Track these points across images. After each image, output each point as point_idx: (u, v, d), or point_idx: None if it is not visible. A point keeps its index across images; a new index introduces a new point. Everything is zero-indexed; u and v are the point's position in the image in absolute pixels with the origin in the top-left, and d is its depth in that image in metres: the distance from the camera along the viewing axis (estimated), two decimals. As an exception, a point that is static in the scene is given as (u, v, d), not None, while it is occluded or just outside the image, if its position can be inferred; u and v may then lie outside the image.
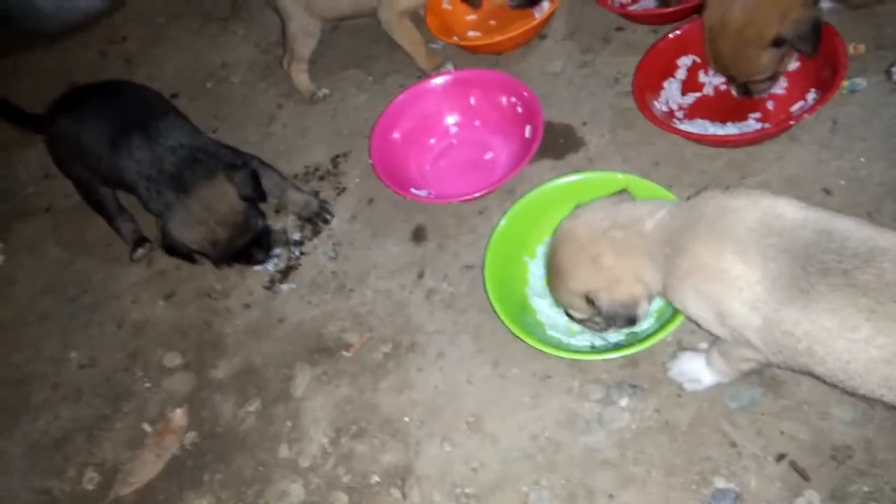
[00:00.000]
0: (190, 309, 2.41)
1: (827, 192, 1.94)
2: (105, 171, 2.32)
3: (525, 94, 2.33)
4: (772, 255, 1.29)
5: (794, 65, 2.07)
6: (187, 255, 2.24)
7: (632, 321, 1.57)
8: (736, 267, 1.32)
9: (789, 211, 1.33)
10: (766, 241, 1.31)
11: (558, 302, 1.71)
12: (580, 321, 1.73)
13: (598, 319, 1.64)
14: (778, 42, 1.85)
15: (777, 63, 1.93)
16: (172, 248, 2.20)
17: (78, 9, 3.70)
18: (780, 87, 2.12)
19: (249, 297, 2.37)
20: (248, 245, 2.23)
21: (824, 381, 1.37)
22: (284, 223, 2.49)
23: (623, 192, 1.64)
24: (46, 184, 3.06)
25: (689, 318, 1.52)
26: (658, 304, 1.83)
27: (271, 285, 2.37)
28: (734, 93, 2.11)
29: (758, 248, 1.31)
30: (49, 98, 2.63)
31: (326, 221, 2.46)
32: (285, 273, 2.38)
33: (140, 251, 2.59)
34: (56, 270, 2.72)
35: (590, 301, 1.56)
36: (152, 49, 3.48)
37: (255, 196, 2.20)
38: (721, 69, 2.02)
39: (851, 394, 1.34)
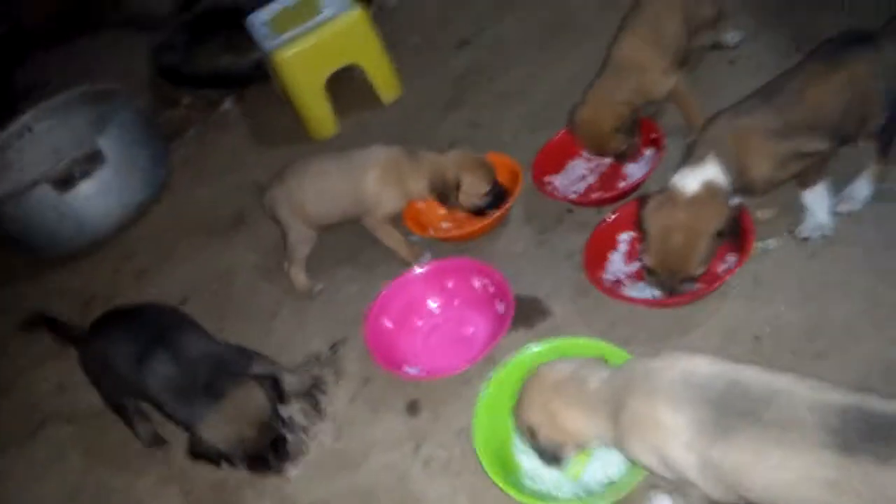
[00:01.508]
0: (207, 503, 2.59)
1: (757, 338, 2.25)
2: (132, 388, 2.56)
3: (495, 276, 2.70)
4: (696, 404, 1.57)
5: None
6: (213, 459, 2.37)
7: (555, 460, 1.89)
8: (668, 416, 1.60)
9: (702, 366, 1.64)
10: (689, 393, 1.59)
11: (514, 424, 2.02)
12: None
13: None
14: (719, 234, 2.22)
15: (713, 254, 2.28)
16: (201, 452, 2.35)
17: (92, 233, 4.12)
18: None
19: (261, 485, 2.55)
20: (267, 448, 2.40)
21: None
22: (290, 411, 2.73)
23: (600, 357, 1.96)
24: (65, 396, 3.30)
25: (642, 466, 1.77)
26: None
27: (281, 471, 2.56)
28: (660, 293, 2.40)
29: (683, 399, 1.59)
30: (70, 315, 2.96)
31: (323, 392, 2.73)
32: (294, 458, 2.58)
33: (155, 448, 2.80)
34: (78, 481, 2.90)
35: (531, 434, 1.89)
36: (162, 263, 3.87)
37: (279, 398, 2.45)
38: (668, 265, 2.29)
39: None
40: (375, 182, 2.95)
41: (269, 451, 2.41)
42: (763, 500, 1.53)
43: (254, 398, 2.36)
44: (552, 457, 1.89)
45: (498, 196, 2.99)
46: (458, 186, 2.92)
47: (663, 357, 1.71)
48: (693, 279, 2.31)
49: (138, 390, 2.53)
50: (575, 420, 1.82)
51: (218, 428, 2.30)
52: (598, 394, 1.78)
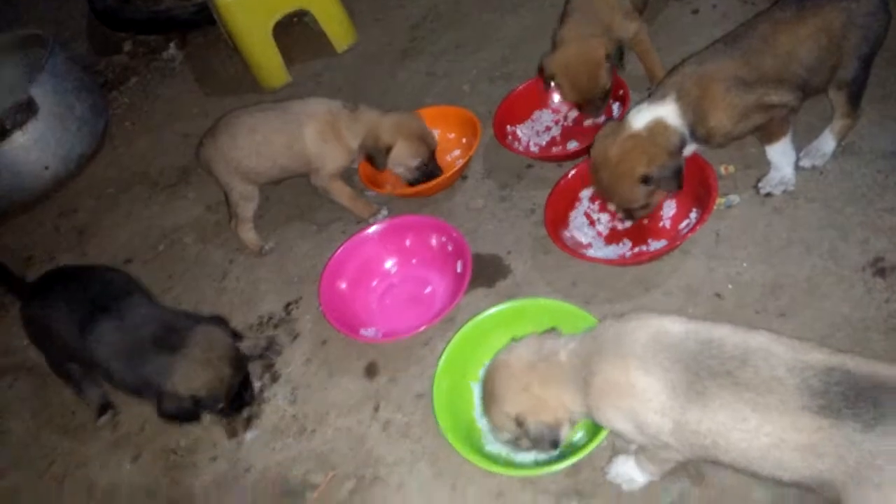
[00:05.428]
0: (157, 468, 2.50)
1: (719, 296, 2.22)
2: (77, 355, 2.45)
3: (453, 233, 2.61)
4: (668, 366, 1.52)
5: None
6: (192, 413, 2.27)
7: (555, 443, 1.77)
8: (641, 380, 1.55)
9: (673, 327, 1.57)
10: (661, 355, 1.53)
11: (491, 423, 1.89)
12: (508, 441, 1.91)
13: (524, 441, 1.83)
14: (645, 180, 2.19)
15: (647, 196, 2.26)
16: (175, 411, 2.25)
17: (30, 187, 3.91)
18: (672, 208, 2.45)
19: (214, 449, 2.48)
20: (240, 387, 2.34)
21: (736, 470, 1.58)
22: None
23: (552, 330, 1.88)
24: (9, 358, 3.15)
25: (615, 433, 1.73)
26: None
27: (235, 435, 2.49)
28: (623, 217, 2.45)
29: (655, 362, 1.53)
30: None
31: (278, 353, 2.65)
32: (248, 421, 2.51)
33: (104, 417, 2.69)
34: (24, 443, 2.79)
35: (519, 423, 1.76)
36: (104, 219, 3.69)
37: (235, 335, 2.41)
38: (603, 197, 2.35)
39: (758, 477, 1.54)
40: (314, 139, 2.80)
41: (240, 389, 2.35)
42: (739, 463, 1.50)
43: (216, 336, 2.28)
44: (550, 441, 1.77)
45: (428, 174, 2.88)
46: (388, 151, 2.78)
47: (631, 319, 1.65)
48: (633, 210, 2.32)
49: (83, 358, 2.42)
50: (559, 395, 1.72)
51: (194, 375, 2.21)
52: (569, 364, 1.70)
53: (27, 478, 2.66)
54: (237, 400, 2.37)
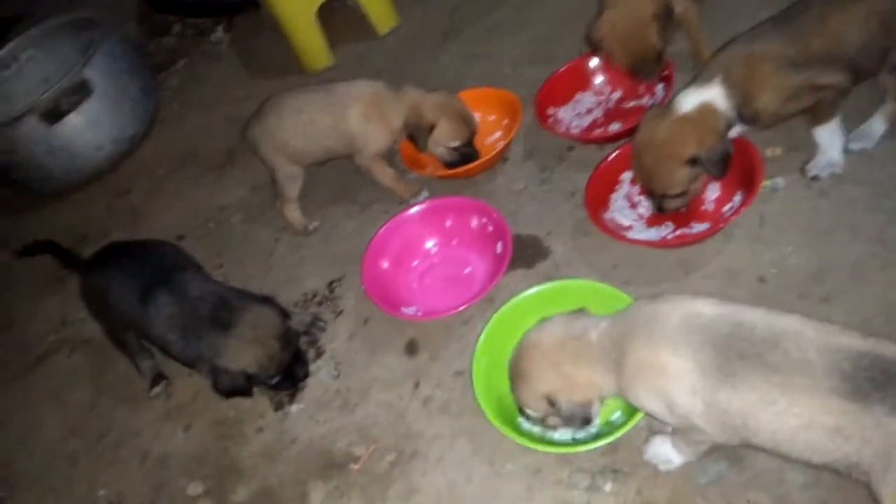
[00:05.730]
0: (207, 438, 2.61)
1: (762, 280, 2.21)
2: (135, 326, 2.55)
3: (494, 214, 2.64)
4: (698, 347, 1.54)
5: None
6: (245, 388, 2.37)
7: (587, 421, 1.81)
8: (672, 361, 1.57)
9: (705, 309, 1.59)
10: (692, 336, 1.55)
11: (518, 402, 1.93)
12: (535, 420, 1.95)
13: (552, 420, 1.87)
14: (692, 161, 2.18)
15: (689, 181, 2.25)
16: (230, 386, 2.34)
17: (84, 167, 4.05)
18: (716, 191, 2.44)
19: (261, 420, 2.57)
20: (291, 362, 2.43)
21: (767, 451, 1.59)
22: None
23: (581, 309, 1.90)
24: (66, 330, 3.30)
25: (647, 413, 1.75)
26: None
27: (281, 407, 2.57)
28: (651, 207, 2.43)
29: (686, 343, 1.55)
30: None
31: (322, 329, 2.72)
32: (293, 395, 2.59)
33: (157, 388, 2.81)
34: (80, 412, 2.92)
35: (550, 402, 1.80)
36: (155, 199, 3.81)
37: (285, 314, 2.48)
38: (642, 181, 2.33)
39: (789, 459, 1.55)
40: (359, 120, 2.85)
41: (293, 365, 2.44)
42: (769, 444, 1.52)
43: (265, 315, 2.37)
44: (581, 420, 1.81)
45: (466, 156, 2.90)
46: (430, 130, 2.81)
47: (664, 300, 1.67)
48: (669, 197, 2.29)
49: (141, 329, 2.52)
50: (590, 374, 1.75)
51: (243, 353, 2.30)
52: (601, 343, 1.73)
53: (84, 445, 2.79)
54: (290, 374, 2.45)
